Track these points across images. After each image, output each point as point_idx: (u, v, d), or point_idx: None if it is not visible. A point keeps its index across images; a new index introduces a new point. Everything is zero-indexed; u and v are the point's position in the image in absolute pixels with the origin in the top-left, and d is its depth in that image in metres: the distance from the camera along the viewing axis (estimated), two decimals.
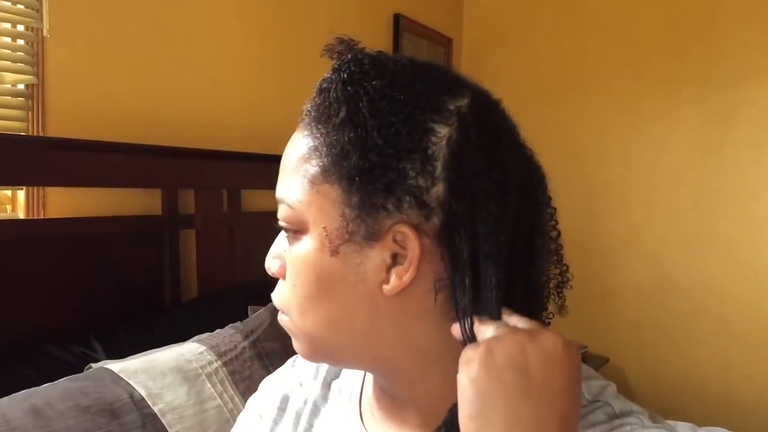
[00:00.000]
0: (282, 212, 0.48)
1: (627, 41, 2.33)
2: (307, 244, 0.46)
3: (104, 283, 1.28)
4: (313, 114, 0.46)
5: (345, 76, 0.45)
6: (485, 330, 0.42)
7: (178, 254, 1.42)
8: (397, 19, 2.25)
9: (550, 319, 0.51)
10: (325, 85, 0.46)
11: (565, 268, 0.50)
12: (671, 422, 1.75)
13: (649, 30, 2.29)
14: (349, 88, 0.44)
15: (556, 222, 0.50)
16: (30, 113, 1.20)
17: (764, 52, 2.08)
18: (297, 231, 0.47)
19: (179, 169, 1.39)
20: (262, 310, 1.29)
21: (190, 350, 1.08)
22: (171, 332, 1.20)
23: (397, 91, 0.44)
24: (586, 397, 0.48)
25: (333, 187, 0.44)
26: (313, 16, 1.89)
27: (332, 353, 0.50)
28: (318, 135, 0.45)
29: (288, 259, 0.48)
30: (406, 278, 0.44)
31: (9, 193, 1.22)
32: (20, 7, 1.18)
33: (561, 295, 0.50)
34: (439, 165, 0.43)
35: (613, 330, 2.40)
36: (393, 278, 0.44)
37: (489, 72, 2.66)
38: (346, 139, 0.43)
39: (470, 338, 0.42)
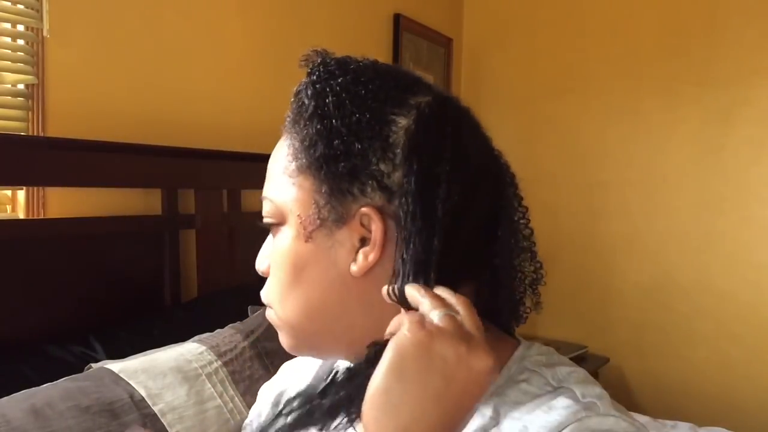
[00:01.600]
0: (265, 208, 0.52)
1: (627, 41, 2.33)
2: (286, 234, 0.50)
3: (104, 283, 1.28)
4: (290, 117, 0.51)
5: (314, 77, 0.50)
6: (423, 302, 0.43)
7: (178, 254, 1.42)
8: (397, 19, 2.25)
9: (528, 314, 0.55)
10: (298, 89, 0.51)
11: (539, 265, 0.54)
12: (671, 422, 1.74)
13: (649, 30, 2.29)
14: (317, 86, 0.49)
15: (528, 221, 0.54)
16: (30, 113, 1.20)
17: (764, 52, 2.08)
18: (278, 224, 0.51)
19: (179, 169, 1.39)
20: (262, 310, 1.29)
21: (190, 350, 1.08)
22: (171, 332, 1.20)
23: (360, 87, 0.48)
24: (551, 383, 0.49)
25: (306, 177, 0.49)
26: (313, 17, 1.89)
27: (312, 342, 0.53)
28: (294, 134, 0.50)
29: (272, 254, 0.52)
30: (372, 258, 0.47)
31: (9, 193, 1.22)
32: (20, 7, 1.18)
33: (536, 291, 0.54)
34: (399, 152, 0.47)
35: (613, 330, 2.40)
36: (360, 258, 0.48)
37: (489, 72, 2.66)
38: (314, 130, 0.48)
39: (399, 300, 0.45)
